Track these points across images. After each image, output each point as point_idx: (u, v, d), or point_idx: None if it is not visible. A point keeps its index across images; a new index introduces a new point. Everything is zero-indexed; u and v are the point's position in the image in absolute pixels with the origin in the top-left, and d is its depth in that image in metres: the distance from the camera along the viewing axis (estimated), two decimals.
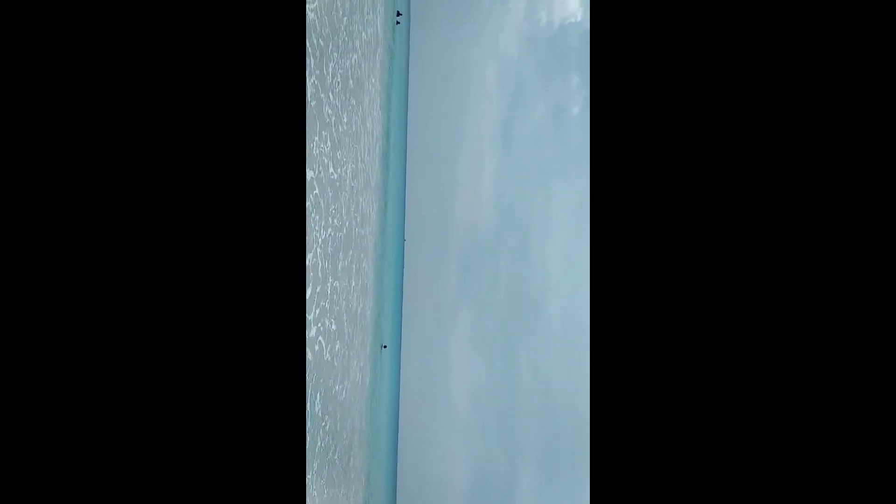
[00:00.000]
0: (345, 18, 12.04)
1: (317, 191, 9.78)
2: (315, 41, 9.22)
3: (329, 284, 10.68)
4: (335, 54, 10.95)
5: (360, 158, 14.15)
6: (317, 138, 9.53)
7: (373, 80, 17.03)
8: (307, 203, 9.23)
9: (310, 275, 9.27)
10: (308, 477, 8.74)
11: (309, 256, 9.12)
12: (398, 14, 24.69)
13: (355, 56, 13.73)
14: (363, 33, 16.31)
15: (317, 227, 9.82)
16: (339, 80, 11.27)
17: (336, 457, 11.37)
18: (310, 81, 9.02)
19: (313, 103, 9.23)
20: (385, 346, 19.40)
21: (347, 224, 12.42)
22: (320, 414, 10.01)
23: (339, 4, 11.05)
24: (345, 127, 12.03)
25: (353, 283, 13.32)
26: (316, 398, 9.66)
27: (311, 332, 9.36)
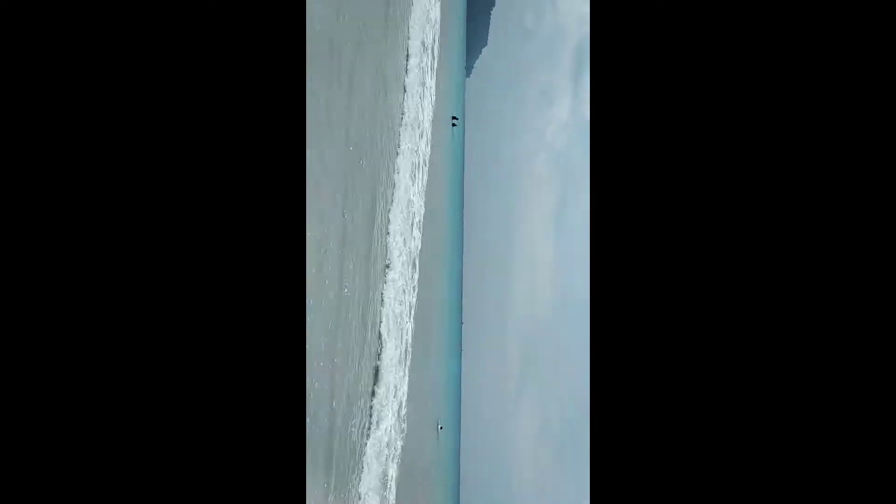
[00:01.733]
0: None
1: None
2: None
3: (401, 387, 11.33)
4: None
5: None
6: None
7: (433, 184, 18.50)
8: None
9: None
10: None
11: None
12: (454, 118, 26.84)
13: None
14: (421, 141, 18.02)
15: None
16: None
17: None
18: None
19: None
20: (442, 428, 19.79)
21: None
22: None
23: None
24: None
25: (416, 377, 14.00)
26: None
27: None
